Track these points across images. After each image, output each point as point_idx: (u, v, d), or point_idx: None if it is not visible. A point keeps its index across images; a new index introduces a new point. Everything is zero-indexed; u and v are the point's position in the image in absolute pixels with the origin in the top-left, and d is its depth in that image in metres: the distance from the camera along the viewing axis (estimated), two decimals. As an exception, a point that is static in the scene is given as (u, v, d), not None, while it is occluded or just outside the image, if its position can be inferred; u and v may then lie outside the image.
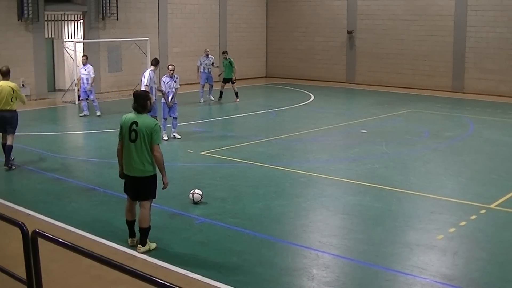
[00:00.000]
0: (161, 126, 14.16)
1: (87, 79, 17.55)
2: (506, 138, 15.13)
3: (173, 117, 14.35)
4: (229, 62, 20.99)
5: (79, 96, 20.27)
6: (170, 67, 14.39)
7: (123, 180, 7.60)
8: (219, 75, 21.63)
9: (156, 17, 25.08)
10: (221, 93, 21.05)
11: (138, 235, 7.59)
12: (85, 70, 17.64)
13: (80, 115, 17.86)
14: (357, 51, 26.99)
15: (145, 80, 13.79)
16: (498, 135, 15.48)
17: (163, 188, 7.51)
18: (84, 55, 18.35)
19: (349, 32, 26.91)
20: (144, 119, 7.31)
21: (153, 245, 7.55)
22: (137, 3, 24.27)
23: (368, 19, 26.41)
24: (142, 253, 7.41)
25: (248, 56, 28.46)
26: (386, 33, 25.89)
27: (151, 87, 13.77)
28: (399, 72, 25.71)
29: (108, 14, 22.93)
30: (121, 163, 7.51)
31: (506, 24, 22.73)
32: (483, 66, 23.50)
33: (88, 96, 17.80)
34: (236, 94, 20.85)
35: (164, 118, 14.24)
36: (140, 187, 7.40)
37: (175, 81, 14.19)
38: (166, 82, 14.12)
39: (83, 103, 18.01)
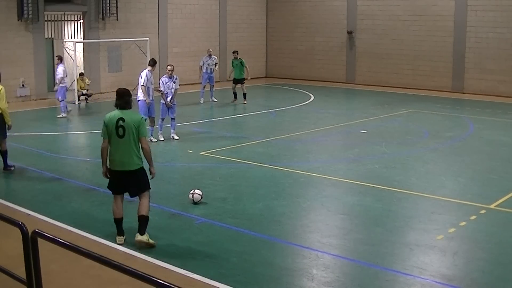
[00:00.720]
0: (157, 126, 14.27)
1: (57, 79, 17.39)
2: (506, 139, 15.12)
3: (171, 118, 14.33)
4: (240, 62, 20.75)
5: (78, 97, 20.34)
6: (169, 67, 14.34)
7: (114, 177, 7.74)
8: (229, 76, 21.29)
9: (156, 17, 25.07)
10: (235, 94, 20.76)
11: (125, 230, 7.63)
12: (57, 70, 17.41)
13: (58, 116, 17.35)
14: (357, 51, 26.98)
15: (141, 80, 13.75)
16: (498, 136, 15.46)
17: (150, 178, 7.70)
18: (57, 56, 18.09)
19: (349, 32, 26.90)
20: (130, 115, 7.58)
21: (152, 241, 7.56)
22: (137, 3, 24.25)
23: (368, 19, 26.40)
24: (139, 241, 7.41)
25: (248, 56, 28.34)
26: (386, 33, 25.88)
27: (148, 87, 13.75)
28: (399, 72, 25.70)
29: (108, 14, 22.92)
30: (105, 162, 7.68)
31: (506, 24, 22.73)
32: (483, 66, 23.49)
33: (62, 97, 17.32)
34: (244, 95, 20.60)
35: (161, 118, 14.22)
36: (133, 182, 7.57)
37: (174, 82, 14.14)
38: (164, 83, 14.10)
39: (61, 104, 17.36)
